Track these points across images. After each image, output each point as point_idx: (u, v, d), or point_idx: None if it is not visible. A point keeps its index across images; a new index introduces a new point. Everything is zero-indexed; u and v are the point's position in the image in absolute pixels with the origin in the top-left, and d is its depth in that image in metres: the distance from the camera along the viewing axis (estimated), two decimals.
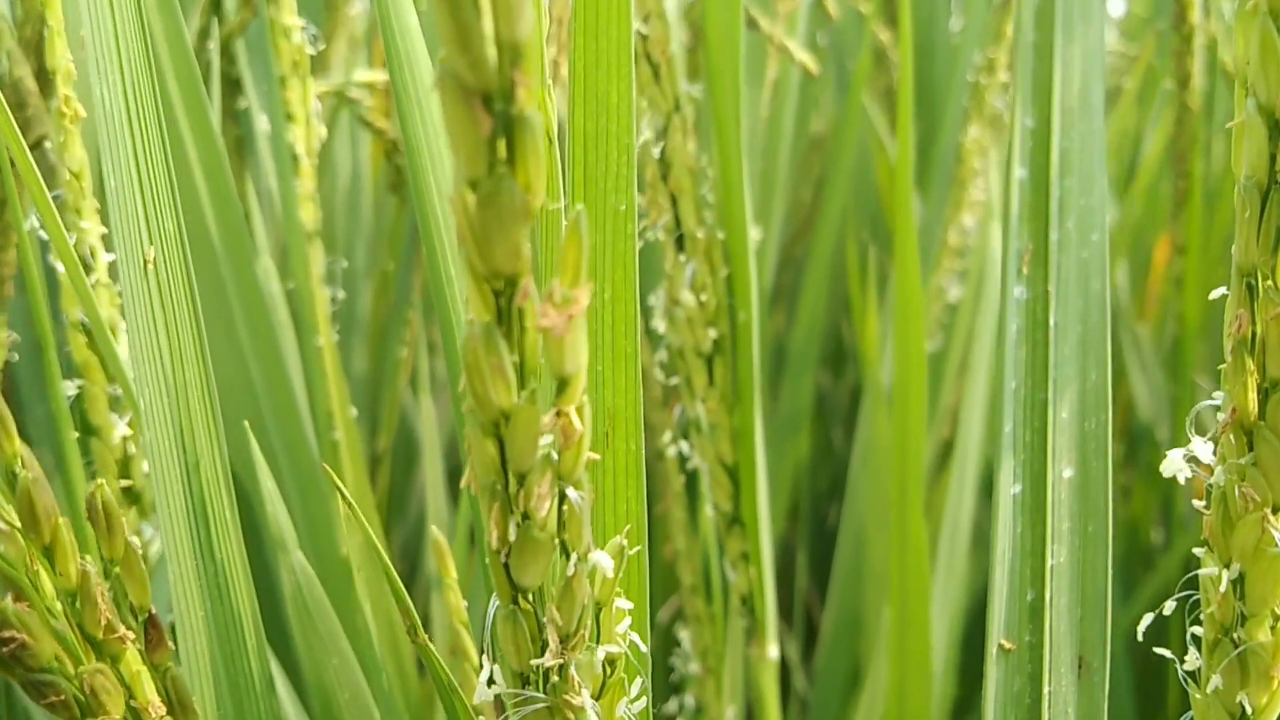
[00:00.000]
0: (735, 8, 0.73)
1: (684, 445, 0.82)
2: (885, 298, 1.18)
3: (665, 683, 1.02)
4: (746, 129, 0.82)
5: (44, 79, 0.95)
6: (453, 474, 1.23)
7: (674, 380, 0.80)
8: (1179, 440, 1.14)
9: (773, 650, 0.82)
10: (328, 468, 0.50)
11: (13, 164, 0.80)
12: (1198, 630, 0.47)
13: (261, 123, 1.04)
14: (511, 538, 0.37)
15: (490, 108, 0.30)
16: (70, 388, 0.71)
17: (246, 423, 0.62)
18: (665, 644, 1.16)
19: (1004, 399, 0.51)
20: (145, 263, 0.49)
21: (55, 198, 0.68)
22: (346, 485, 0.89)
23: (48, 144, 0.70)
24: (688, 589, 0.90)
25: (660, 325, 0.78)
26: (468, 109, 0.30)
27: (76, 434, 0.72)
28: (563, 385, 0.35)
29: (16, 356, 0.87)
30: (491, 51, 0.30)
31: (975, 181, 1.16)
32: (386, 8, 0.54)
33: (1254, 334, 0.43)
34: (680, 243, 0.76)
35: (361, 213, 1.25)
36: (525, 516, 0.37)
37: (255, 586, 0.53)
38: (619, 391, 0.47)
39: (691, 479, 0.92)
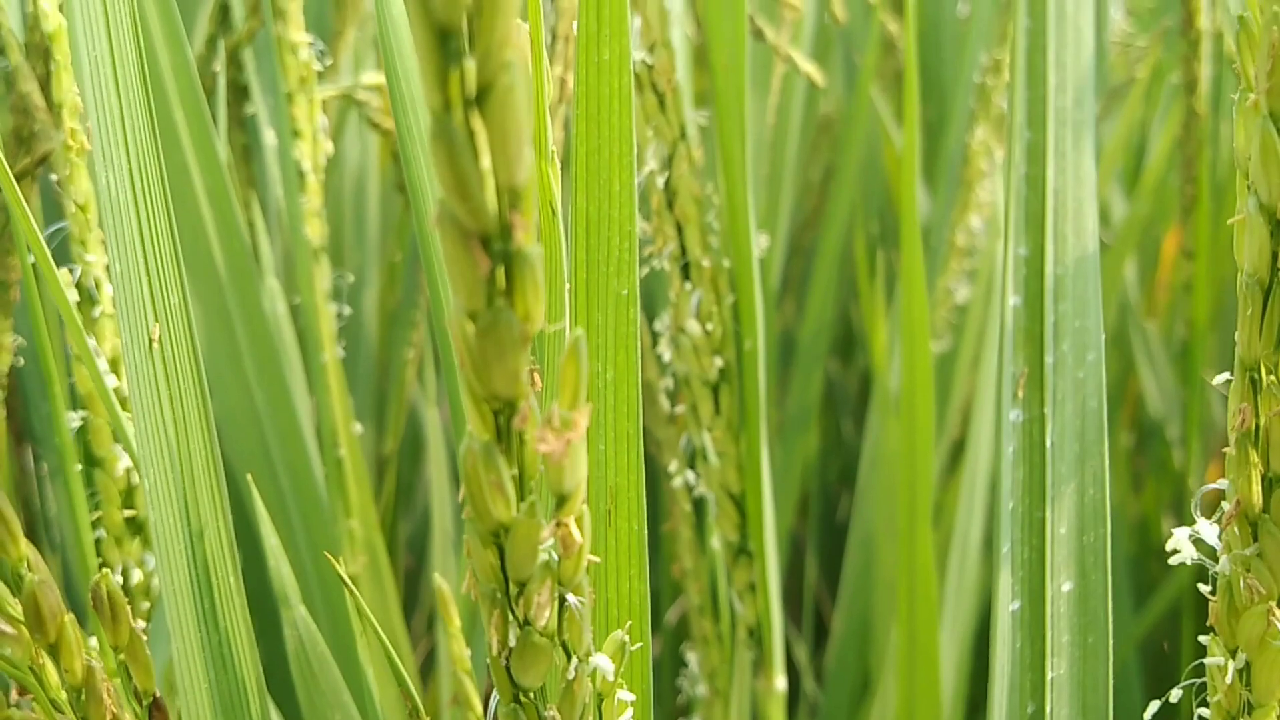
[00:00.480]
0: (740, 42, 0.73)
1: (690, 475, 0.82)
2: (893, 301, 1.17)
3: (673, 704, 1.02)
4: (753, 134, 0.82)
5: (48, 85, 0.95)
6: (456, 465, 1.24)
7: (680, 409, 0.80)
8: (1189, 437, 1.15)
9: (780, 682, 0.82)
10: (340, 572, 0.50)
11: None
12: (1205, 713, 0.47)
13: (269, 135, 1.03)
14: (512, 642, 0.37)
15: (489, 248, 0.30)
16: (74, 419, 0.71)
17: (250, 476, 0.62)
18: (673, 649, 1.17)
19: (1000, 519, 0.51)
20: (150, 342, 0.49)
21: (60, 229, 0.68)
22: (350, 503, 0.90)
23: (54, 177, 0.70)
24: (695, 609, 0.90)
25: (666, 353, 0.78)
26: (466, 250, 0.30)
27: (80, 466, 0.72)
28: (562, 501, 0.35)
29: (22, 361, 0.87)
30: (491, 196, 0.30)
31: (982, 183, 1.15)
32: (386, 29, 0.54)
33: (1257, 427, 0.43)
34: (686, 271, 0.76)
35: (368, 208, 1.25)
36: (525, 622, 0.37)
37: (262, 627, 0.53)
38: (621, 470, 0.47)
39: (700, 498, 0.92)
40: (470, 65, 0.28)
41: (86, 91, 0.49)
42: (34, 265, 0.70)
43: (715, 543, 0.82)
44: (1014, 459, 0.51)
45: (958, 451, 1.18)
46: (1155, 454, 1.30)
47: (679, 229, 0.76)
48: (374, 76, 1.07)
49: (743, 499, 0.79)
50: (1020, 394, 0.52)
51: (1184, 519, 1.20)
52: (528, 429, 0.33)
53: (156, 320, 0.50)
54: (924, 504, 0.84)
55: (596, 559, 0.40)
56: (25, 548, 0.41)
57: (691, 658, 0.89)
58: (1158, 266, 1.37)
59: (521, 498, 0.35)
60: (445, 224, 0.30)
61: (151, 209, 0.50)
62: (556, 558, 0.36)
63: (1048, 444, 0.51)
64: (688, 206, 0.75)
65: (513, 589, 0.36)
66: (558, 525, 0.36)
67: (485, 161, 0.29)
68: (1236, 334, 0.44)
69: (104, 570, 0.44)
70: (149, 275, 0.50)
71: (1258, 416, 0.43)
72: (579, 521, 0.36)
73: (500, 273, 0.31)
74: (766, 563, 0.80)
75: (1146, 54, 1.33)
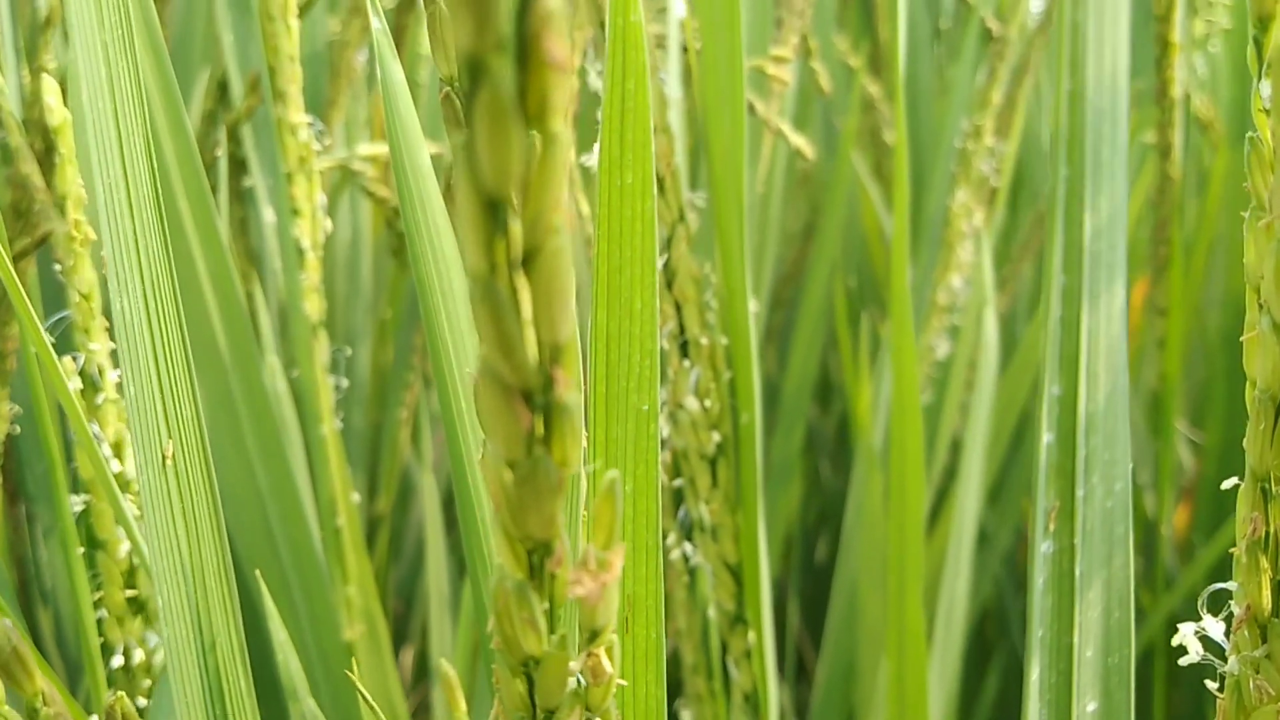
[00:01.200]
0: (739, 130, 0.74)
1: (686, 546, 0.82)
2: (876, 360, 1.19)
3: None
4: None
5: (48, 166, 0.95)
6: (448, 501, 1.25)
7: (678, 481, 0.80)
8: (1162, 489, 1.16)
9: None
10: (360, 689, 0.50)
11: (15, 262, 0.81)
12: None
13: (268, 212, 1.04)
14: None
15: (530, 401, 0.30)
16: (76, 503, 0.71)
17: (259, 572, 0.63)
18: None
19: (1030, 646, 0.52)
20: (164, 459, 0.50)
21: (64, 317, 0.69)
22: (349, 571, 0.90)
23: (57, 266, 0.71)
24: (689, 668, 0.90)
25: (664, 428, 0.79)
26: (507, 404, 0.30)
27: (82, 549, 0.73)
28: (593, 635, 0.35)
29: (18, 429, 0.88)
30: (533, 352, 0.30)
31: (962, 244, 1.17)
32: (391, 104, 0.55)
33: (1268, 534, 0.44)
34: (684, 348, 0.77)
35: (362, 270, 1.26)
36: None
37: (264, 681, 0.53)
38: (639, 580, 0.48)
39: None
40: (517, 229, 0.28)
41: (101, 220, 0.49)
42: (36, 355, 0.71)
43: (711, 611, 0.83)
44: (1044, 588, 0.52)
45: (939, 499, 1.20)
46: None
47: (678, 308, 0.76)
48: (368, 147, 1.08)
49: (739, 569, 0.80)
50: (1052, 527, 0.53)
51: (1154, 562, 1.21)
52: (561, 569, 0.34)
53: (170, 437, 0.50)
54: (914, 576, 0.85)
55: (624, 682, 0.41)
56: (41, 682, 0.41)
57: (685, 716, 0.90)
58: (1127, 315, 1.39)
59: (552, 630, 0.35)
60: (486, 379, 0.30)
61: (166, 331, 0.51)
62: (584, 683, 0.37)
63: (1077, 573, 0.52)
64: (686, 286, 0.76)
65: (540, 715, 0.37)
66: (588, 655, 0.36)
67: (527, 315, 0.30)
68: (1245, 441, 0.45)
69: (119, 693, 0.45)
70: (163, 394, 0.50)
71: (1269, 524, 0.44)
72: (609, 651, 0.36)
73: (539, 421, 0.31)
74: (763, 631, 0.81)
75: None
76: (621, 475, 0.48)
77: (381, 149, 1.09)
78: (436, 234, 0.56)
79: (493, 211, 0.28)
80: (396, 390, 1.20)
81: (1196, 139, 1.35)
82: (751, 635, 0.81)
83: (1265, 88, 0.42)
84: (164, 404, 0.50)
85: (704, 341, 0.77)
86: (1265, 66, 0.43)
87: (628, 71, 0.46)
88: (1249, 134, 0.43)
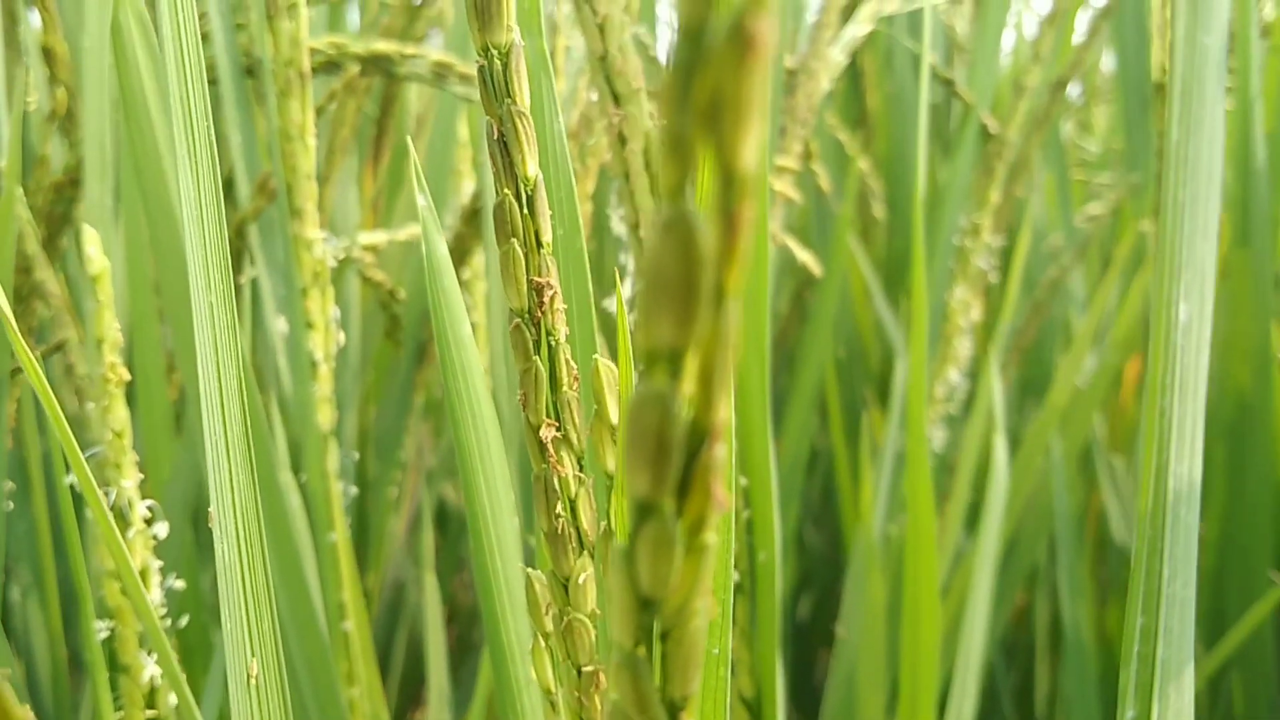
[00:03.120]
0: (763, 279, 0.75)
1: None
2: (865, 442, 1.20)
3: None
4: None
5: (52, 251, 0.96)
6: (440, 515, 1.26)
7: None
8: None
9: None
10: None
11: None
12: None
13: (275, 309, 1.05)
14: None
15: None
16: (102, 629, 0.73)
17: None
18: None
19: None
20: (249, 678, 0.51)
21: (94, 454, 0.70)
22: (358, 676, 0.91)
23: (90, 405, 0.72)
24: None
25: None
26: None
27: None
28: None
29: (12, 505, 0.89)
30: (661, 707, 0.31)
31: (960, 339, 1.18)
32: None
33: None
34: None
35: (351, 340, 1.27)
36: None
37: None
38: None
39: None
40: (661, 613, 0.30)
41: (209, 465, 0.51)
42: (72, 486, 0.72)
43: None
44: None
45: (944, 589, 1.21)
46: (1118, 577, 1.33)
47: None
48: (367, 236, 1.09)
49: (757, 703, 0.81)
50: None
51: None
52: None
53: (254, 655, 0.52)
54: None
55: None
56: None
57: None
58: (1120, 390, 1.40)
59: None
60: None
61: (252, 565, 0.52)
62: None
63: None
64: None
65: None
66: None
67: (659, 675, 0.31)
68: None
69: None
70: (248, 618, 0.52)
71: None
72: None
73: None
74: None
75: (1113, 205, 1.36)
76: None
77: (380, 238, 1.11)
78: (478, 403, 0.57)
79: (643, 605, 0.29)
80: (387, 467, 1.21)
81: None
82: None
83: None
84: (249, 623, 0.52)
85: None
86: None
87: None
88: None
